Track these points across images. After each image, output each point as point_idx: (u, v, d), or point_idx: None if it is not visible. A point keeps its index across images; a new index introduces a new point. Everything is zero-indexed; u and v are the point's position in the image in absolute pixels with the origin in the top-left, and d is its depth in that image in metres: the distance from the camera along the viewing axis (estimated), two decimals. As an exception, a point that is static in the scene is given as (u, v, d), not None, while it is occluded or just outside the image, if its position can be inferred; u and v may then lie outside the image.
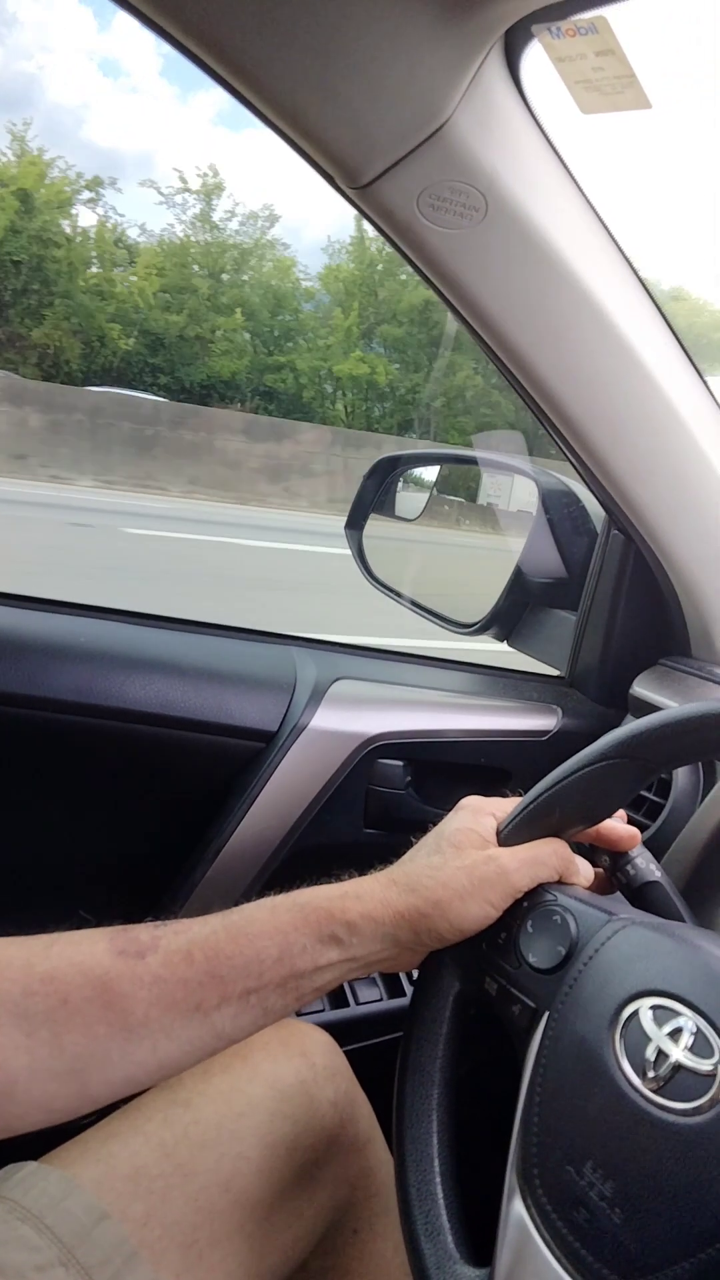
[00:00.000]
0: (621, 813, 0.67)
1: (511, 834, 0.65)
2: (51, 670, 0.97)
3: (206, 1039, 0.58)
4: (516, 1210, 0.51)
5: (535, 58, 0.69)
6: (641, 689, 1.07)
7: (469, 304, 0.84)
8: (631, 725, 0.61)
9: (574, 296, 0.82)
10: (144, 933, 0.59)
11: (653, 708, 1.01)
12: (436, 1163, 0.58)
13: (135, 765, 1.03)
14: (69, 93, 37.04)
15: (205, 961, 0.57)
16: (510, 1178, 0.53)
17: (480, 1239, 0.55)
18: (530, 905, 0.62)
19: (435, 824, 0.68)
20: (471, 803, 0.69)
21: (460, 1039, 0.63)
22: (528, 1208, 0.51)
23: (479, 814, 0.67)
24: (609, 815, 0.66)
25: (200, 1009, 0.57)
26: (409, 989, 1.17)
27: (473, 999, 0.63)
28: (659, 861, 0.69)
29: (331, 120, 0.69)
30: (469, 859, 0.62)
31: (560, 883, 0.64)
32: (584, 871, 0.66)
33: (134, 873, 1.09)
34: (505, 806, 0.67)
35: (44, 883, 1.05)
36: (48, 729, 0.97)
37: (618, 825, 0.67)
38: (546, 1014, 0.56)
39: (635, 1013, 0.52)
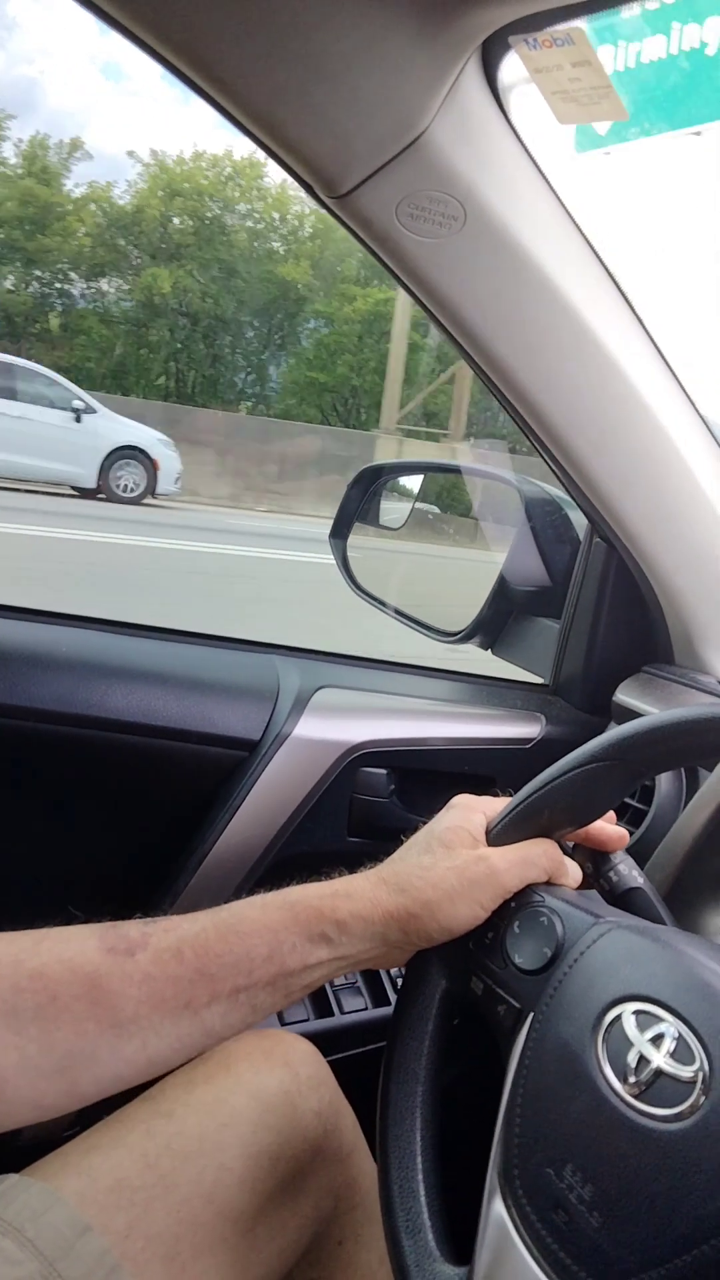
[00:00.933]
0: (610, 814, 0.68)
1: (501, 833, 0.65)
2: (33, 679, 0.96)
3: (196, 1036, 0.58)
4: (496, 1210, 0.51)
5: (513, 68, 0.70)
6: (625, 696, 1.07)
7: (449, 313, 0.85)
8: (622, 728, 0.61)
9: (553, 305, 0.83)
10: (133, 930, 0.59)
11: (636, 715, 1.02)
12: (419, 1160, 0.58)
13: (117, 775, 1.02)
14: (70, 96, 36.99)
15: (195, 959, 0.57)
16: (491, 1177, 0.53)
17: (462, 1238, 0.55)
18: (518, 906, 0.62)
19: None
20: (462, 800, 0.69)
21: (446, 1038, 0.63)
22: (508, 1208, 0.51)
23: (470, 812, 0.67)
24: (598, 817, 0.66)
25: (190, 1007, 0.57)
26: (394, 998, 1.16)
27: (459, 998, 0.63)
28: (642, 869, 0.69)
29: (310, 130, 0.70)
30: (459, 859, 0.63)
31: (548, 884, 0.64)
32: (573, 873, 0.66)
33: (116, 883, 1.09)
34: (495, 805, 0.68)
35: (24, 895, 1.04)
36: (29, 739, 0.96)
37: (607, 826, 0.68)
38: (531, 1015, 0.56)
39: (618, 1017, 0.52)
